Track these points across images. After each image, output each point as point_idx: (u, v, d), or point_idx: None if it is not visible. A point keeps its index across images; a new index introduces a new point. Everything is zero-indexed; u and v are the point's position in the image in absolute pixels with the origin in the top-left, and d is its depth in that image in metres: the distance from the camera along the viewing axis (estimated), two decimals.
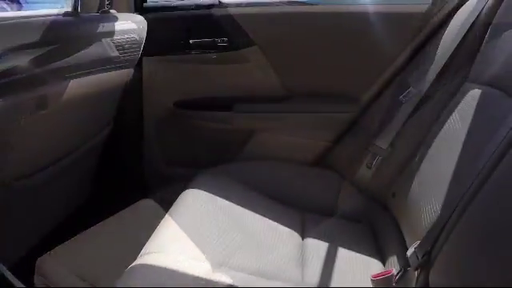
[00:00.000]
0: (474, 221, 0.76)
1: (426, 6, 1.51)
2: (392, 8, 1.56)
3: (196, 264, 0.95)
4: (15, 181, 1.08)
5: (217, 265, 0.97)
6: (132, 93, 1.69)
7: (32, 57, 0.98)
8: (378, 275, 0.98)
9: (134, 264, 0.95)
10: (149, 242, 1.05)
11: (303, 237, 1.21)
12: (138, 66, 1.59)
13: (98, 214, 1.68)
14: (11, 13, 1.57)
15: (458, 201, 0.81)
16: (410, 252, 0.93)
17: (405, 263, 0.93)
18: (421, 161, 1.20)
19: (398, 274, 0.94)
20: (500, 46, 1.12)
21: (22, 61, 0.97)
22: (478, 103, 1.08)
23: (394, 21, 1.53)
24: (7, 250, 1.20)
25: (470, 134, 1.03)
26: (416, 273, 0.89)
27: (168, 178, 1.75)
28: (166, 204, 1.27)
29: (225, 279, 0.92)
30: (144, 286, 0.88)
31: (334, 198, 1.46)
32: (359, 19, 1.57)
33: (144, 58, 1.61)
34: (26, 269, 1.30)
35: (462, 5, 1.39)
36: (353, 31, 1.58)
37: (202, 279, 0.91)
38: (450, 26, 1.38)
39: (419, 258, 0.88)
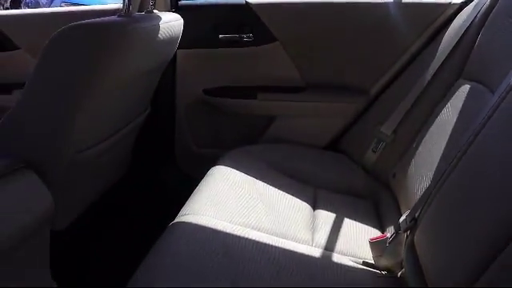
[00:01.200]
0: (451, 189, 0.91)
1: (432, 6, 1.64)
2: (399, 8, 1.67)
3: (224, 224, 1.12)
4: (77, 153, 1.26)
5: (241, 225, 1.14)
6: (167, 81, 1.84)
7: None
8: (374, 238, 1.14)
9: (172, 223, 1.13)
10: (184, 207, 1.21)
11: (314, 208, 1.35)
12: (173, 57, 1.74)
13: (135, 185, 1.87)
14: (72, 7, 1.77)
15: (442, 174, 0.98)
16: (401, 219, 1.09)
17: (397, 228, 1.10)
18: (417, 147, 1.35)
19: (391, 237, 1.11)
20: (489, 47, 1.27)
21: None
22: (466, 98, 1.23)
23: (401, 21, 1.65)
24: (72, 208, 1.42)
25: (457, 124, 1.19)
26: (405, 235, 1.05)
27: (197, 158, 1.91)
28: (196, 179, 1.40)
29: (247, 236, 1.09)
30: (182, 243, 1.06)
31: (344, 177, 1.60)
32: (369, 19, 1.71)
33: (178, 51, 1.74)
34: (87, 222, 1.51)
35: (463, 9, 1.53)
36: (364, 30, 1.71)
37: (229, 236, 1.08)
38: (450, 27, 1.51)
39: (408, 222, 1.05)
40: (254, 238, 1.09)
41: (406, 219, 1.07)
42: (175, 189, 1.51)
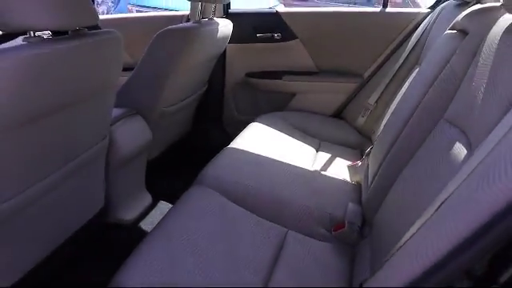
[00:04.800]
0: (387, 124, 1.46)
1: (406, 15, 2.12)
2: (385, 17, 2.17)
3: (256, 150, 1.67)
4: (163, 108, 1.84)
5: (266, 153, 1.67)
6: (219, 67, 2.34)
7: None
8: (351, 164, 1.68)
9: (225, 148, 1.69)
10: (230, 144, 1.75)
11: (317, 151, 1.87)
12: (224, 50, 2.26)
13: (194, 140, 2.45)
14: (151, 13, 2.39)
15: (386, 121, 1.53)
16: (367, 150, 1.64)
17: (364, 155, 1.64)
18: (387, 112, 1.84)
19: (360, 162, 1.66)
20: (432, 41, 1.75)
21: None
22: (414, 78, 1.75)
23: (385, 25, 2.14)
24: (158, 145, 1.98)
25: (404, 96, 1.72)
26: (366, 159, 1.58)
27: (238, 122, 2.37)
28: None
29: (271, 157, 1.64)
30: (229, 157, 1.58)
31: (342, 134, 2.09)
32: (363, 24, 2.18)
33: (227, 45, 2.24)
34: (165, 157, 2.09)
35: (427, 16, 2.01)
36: (359, 31, 2.19)
37: (259, 156, 1.63)
38: (418, 29, 1.99)
39: (369, 151, 1.62)
40: (275, 159, 1.64)
41: (369, 151, 1.63)
42: (222, 144, 1.79)
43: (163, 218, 1.26)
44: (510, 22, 0.91)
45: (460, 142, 0.90)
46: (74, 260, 1.57)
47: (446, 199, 0.64)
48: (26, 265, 1.21)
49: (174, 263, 1.07)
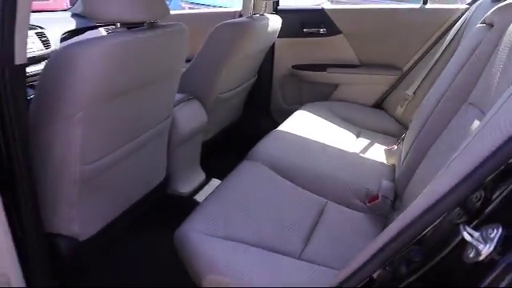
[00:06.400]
0: (420, 110, 1.59)
1: (445, 11, 2.22)
2: (425, 13, 2.27)
3: (300, 132, 1.84)
4: (218, 94, 2.03)
5: (310, 136, 1.84)
6: (268, 59, 2.50)
7: None
8: (387, 148, 1.84)
9: (273, 131, 1.86)
10: (278, 127, 1.92)
11: (357, 137, 2.01)
12: (273, 43, 2.42)
13: (244, 128, 2.62)
14: (207, 9, 2.57)
15: (421, 110, 1.66)
16: (403, 135, 1.79)
17: (399, 141, 1.80)
18: (422, 102, 1.99)
19: (396, 146, 1.81)
20: (467, 33, 1.86)
21: None
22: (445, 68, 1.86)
23: (424, 21, 2.25)
24: (213, 128, 2.16)
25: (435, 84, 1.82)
26: (400, 145, 1.73)
27: (285, 111, 2.49)
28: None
29: (315, 139, 1.80)
30: (277, 138, 1.76)
31: (381, 123, 2.21)
32: (404, 19, 2.29)
33: (276, 39, 2.39)
34: (219, 139, 2.28)
35: (465, 12, 2.10)
36: (400, 26, 2.29)
37: (303, 138, 1.80)
38: (455, 25, 2.07)
39: (403, 136, 1.74)
40: (318, 141, 1.81)
41: (404, 134, 1.76)
42: (269, 130, 1.92)
43: (218, 185, 1.45)
44: None
45: (478, 119, 1.03)
46: (138, 222, 1.77)
47: (454, 158, 0.78)
48: (106, 217, 1.43)
49: (229, 220, 1.25)
